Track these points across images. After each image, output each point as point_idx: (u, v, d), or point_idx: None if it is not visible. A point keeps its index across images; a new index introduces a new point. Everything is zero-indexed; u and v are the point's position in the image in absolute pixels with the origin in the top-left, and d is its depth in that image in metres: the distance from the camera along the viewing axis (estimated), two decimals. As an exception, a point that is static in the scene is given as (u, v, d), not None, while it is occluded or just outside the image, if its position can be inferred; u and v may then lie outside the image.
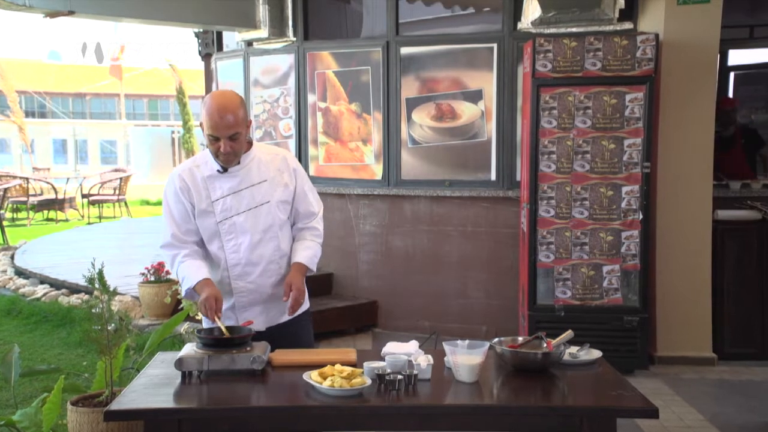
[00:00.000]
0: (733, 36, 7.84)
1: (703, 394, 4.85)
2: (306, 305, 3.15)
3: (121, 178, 14.82)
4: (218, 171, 2.99)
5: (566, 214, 5.19)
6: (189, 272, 2.95)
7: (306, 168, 6.93)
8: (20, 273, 8.30)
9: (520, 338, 2.84)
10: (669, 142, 5.38)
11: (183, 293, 3.06)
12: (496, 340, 2.78)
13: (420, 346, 2.83)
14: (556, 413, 2.44)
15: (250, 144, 3.03)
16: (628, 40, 5.04)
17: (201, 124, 2.93)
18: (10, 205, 14.51)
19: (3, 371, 3.89)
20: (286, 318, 3.08)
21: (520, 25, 5.91)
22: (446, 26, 6.62)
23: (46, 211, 14.72)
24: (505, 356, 2.70)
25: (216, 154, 2.93)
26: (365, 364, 2.57)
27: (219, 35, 8.45)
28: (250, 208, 2.99)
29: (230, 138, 2.86)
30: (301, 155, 7.01)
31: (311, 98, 6.90)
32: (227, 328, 2.80)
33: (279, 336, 3.00)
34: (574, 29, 5.64)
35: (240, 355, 2.61)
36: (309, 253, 3.07)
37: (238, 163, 2.98)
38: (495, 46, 6.06)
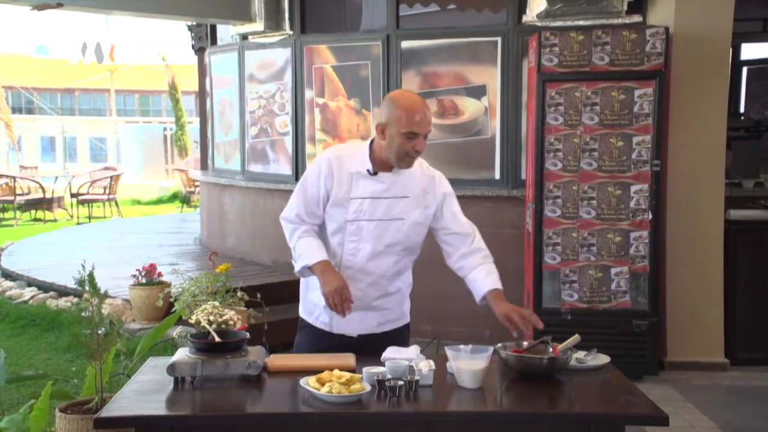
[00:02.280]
0: (746, 29, 7.86)
1: (715, 401, 4.86)
2: (406, 319, 3.18)
3: (111, 177, 14.81)
4: (368, 171, 2.98)
5: (573, 214, 5.19)
6: (309, 250, 2.94)
7: (303, 166, 6.93)
8: (7, 275, 8.29)
9: (525, 343, 2.84)
10: (679, 140, 5.38)
11: (296, 269, 3.03)
12: (500, 344, 2.78)
13: (421, 351, 2.83)
14: (562, 420, 2.43)
15: None
16: (637, 33, 5.04)
17: (382, 124, 2.90)
18: (-4, 205, 14.52)
19: (-11, 377, 3.88)
20: (380, 329, 3.07)
21: (525, 18, 5.91)
22: (448, 19, 6.62)
23: (33, 211, 14.72)
24: (510, 361, 2.70)
25: (405, 154, 2.90)
26: (364, 369, 2.57)
27: (213, 28, 8.45)
28: (382, 219, 2.98)
29: (425, 136, 2.89)
30: (298, 153, 7.02)
31: (308, 94, 6.90)
32: (220, 332, 2.80)
33: (373, 346, 2.96)
34: (581, 22, 5.64)
35: (235, 361, 2.61)
36: (495, 277, 3.02)
37: (390, 169, 2.97)
38: (499, 39, 6.06)
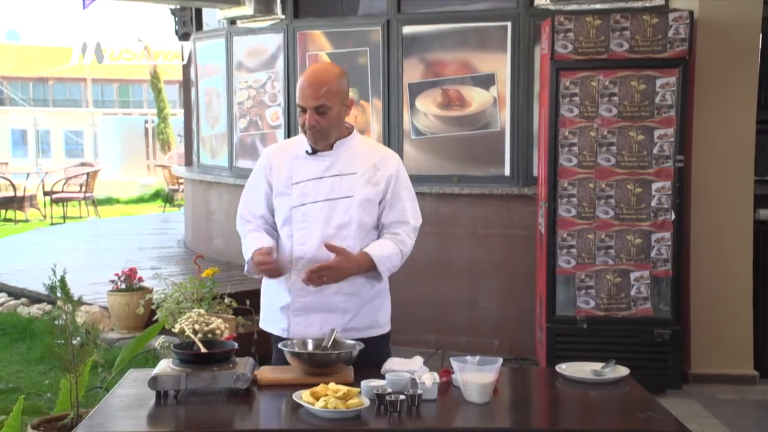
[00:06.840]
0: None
1: (744, 417, 4.86)
2: (386, 327, 3.13)
3: (88, 174, 14.82)
4: (306, 152, 3.03)
5: (589, 214, 5.20)
6: (249, 245, 3.07)
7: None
8: (-26, 280, 8.29)
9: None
10: (705, 133, 5.38)
11: (245, 268, 3.11)
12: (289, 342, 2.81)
13: (425, 363, 2.83)
14: (578, 438, 2.44)
15: (349, 131, 3.07)
16: (658, 18, 5.04)
17: None
18: (-37, 204, 14.52)
19: (-45, 391, 3.89)
20: (345, 336, 2.94)
21: (537, 1, 5.91)
22: (454, 2, 6.62)
23: (3, 211, 14.73)
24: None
25: (303, 128, 2.99)
26: (363, 382, 2.57)
27: (198, 13, 8.46)
28: (327, 199, 3.00)
29: (317, 111, 2.91)
30: (291, 147, 7.01)
31: (302, 83, 6.89)
32: (206, 342, 2.80)
33: None
34: (598, 6, 5.64)
35: (221, 373, 2.61)
36: (382, 250, 3.01)
37: (330, 147, 3.02)
38: (509, 24, 6.06)
